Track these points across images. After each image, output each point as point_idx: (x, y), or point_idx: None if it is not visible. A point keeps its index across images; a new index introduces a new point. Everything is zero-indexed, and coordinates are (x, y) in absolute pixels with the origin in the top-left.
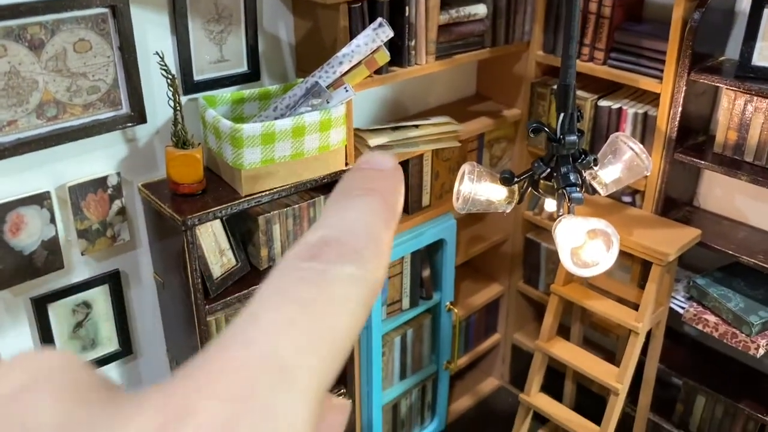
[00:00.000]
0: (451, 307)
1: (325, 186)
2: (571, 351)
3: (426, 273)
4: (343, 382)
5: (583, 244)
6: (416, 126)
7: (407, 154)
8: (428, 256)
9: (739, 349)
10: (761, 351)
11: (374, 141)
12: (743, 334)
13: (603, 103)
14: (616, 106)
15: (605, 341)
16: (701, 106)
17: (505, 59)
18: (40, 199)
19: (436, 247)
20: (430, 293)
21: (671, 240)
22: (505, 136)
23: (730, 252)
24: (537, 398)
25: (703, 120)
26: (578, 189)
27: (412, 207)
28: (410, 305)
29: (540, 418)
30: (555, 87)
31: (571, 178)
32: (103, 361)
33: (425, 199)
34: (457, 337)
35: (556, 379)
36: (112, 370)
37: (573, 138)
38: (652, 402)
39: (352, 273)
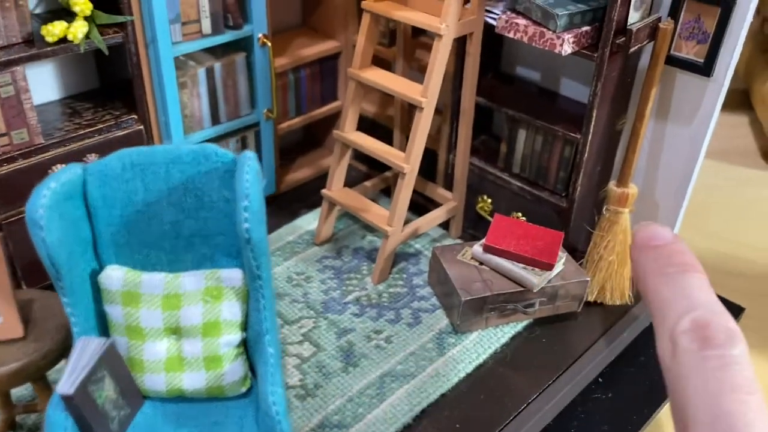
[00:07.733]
0: (265, 40)
1: None
2: (383, 75)
3: None
4: (133, 106)
5: None
6: None
7: None
8: None
9: (546, 49)
10: (566, 48)
11: None
12: (550, 31)
13: None
14: None
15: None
16: None
17: None
18: None
19: None
20: (238, 21)
21: None
22: None
23: None
24: (353, 135)
25: None
26: None
27: None
28: (212, 31)
29: (349, 184)
30: None
31: None
32: None
33: None
34: (274, 78)
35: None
36: None
37: None
38: (479, 150)
39: (741, 351)
